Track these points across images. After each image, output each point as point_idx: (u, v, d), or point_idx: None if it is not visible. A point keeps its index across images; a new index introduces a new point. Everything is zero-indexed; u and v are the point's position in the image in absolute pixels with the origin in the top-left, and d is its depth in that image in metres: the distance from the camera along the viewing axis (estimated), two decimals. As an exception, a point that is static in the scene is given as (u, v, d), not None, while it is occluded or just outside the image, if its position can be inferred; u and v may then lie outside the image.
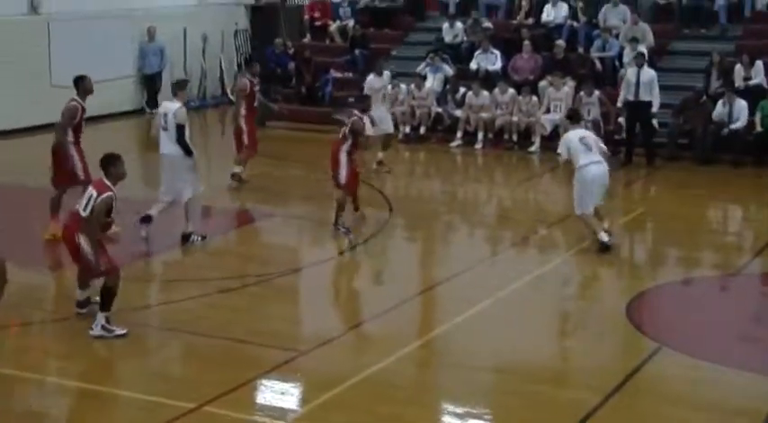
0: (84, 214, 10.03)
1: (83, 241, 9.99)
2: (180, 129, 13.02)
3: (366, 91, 18.20)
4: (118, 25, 23.62)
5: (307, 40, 25.21)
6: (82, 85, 13.32)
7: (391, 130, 18.67)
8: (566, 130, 14.76)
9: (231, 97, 16.69)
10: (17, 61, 21.42)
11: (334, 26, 24.92)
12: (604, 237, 13.19)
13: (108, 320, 10.15)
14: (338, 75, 23.56)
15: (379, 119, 17.58)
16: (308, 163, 17.73)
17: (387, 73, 19.50)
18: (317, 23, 25.22)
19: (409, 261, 13.82)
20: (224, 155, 18.21)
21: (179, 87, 13.56)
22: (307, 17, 25.37)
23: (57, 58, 22.09)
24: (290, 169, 18.15)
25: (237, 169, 16.69)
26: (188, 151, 13.10)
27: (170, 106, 13.30)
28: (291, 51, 24.04)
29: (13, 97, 21.13)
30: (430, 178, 18.78)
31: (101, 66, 22.09)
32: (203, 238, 13.45)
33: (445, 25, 23.23)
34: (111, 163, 10.16)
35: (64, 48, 22.11)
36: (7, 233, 13.20)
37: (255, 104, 16.89)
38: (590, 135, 13.72)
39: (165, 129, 13.22)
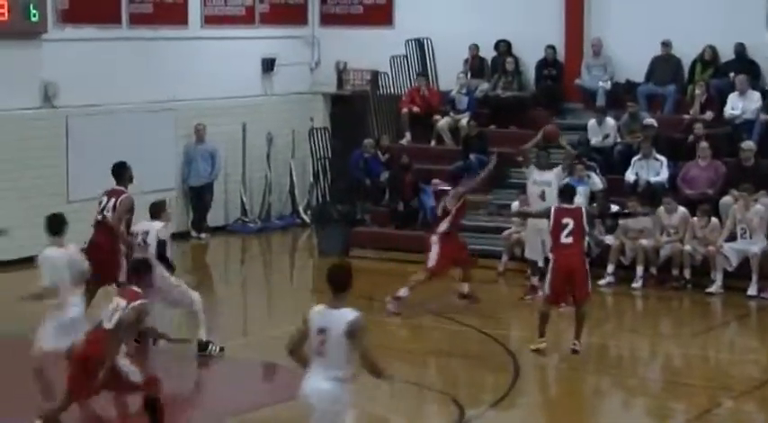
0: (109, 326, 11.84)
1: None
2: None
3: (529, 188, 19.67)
4: (156, 122, 24.13)
5: (405, 140, 25.42)
6: (127, 173, 16.76)
7: (540, 259, 19.16)
8: None
9: (448, 206, 18.91)
10: (25, 168, 22.04)
11: (442, 122, 25.04)
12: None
13: None
14: (446, 187, 23.58)
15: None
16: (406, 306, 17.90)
17: (558, 169, 19.76)
18: (420, 119, 25.35)
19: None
20: (293, 296, 18.54)
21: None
22: (405, 110, 25.44)
23: (76, 166, 22.70)
24: (378, 314, 17.90)
25: (463, 288, 18.97)
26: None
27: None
28: (385, 156, 24.33)
29: (16, 218, 21.54)
30: (569, 327, 18.70)
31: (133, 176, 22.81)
32: (221, 349, 15.92)
33: (591, 122, 23.36)
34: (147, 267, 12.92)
35: (85, 152, 22.59)
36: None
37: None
38: None
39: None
